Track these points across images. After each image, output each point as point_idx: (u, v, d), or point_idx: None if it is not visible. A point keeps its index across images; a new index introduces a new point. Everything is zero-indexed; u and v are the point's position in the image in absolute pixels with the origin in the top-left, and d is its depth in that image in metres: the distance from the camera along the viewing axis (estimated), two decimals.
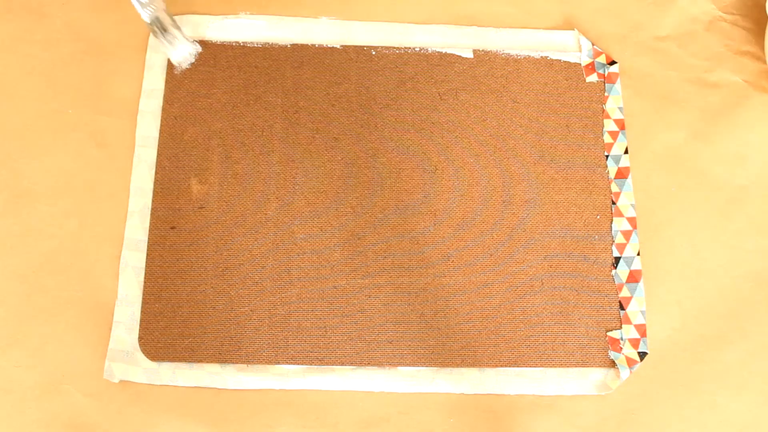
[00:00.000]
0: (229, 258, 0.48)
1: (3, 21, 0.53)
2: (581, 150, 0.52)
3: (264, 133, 0.51)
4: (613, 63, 0.54)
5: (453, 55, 0.54)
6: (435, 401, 0.47)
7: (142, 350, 0.46)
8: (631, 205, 0.51)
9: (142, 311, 0.47)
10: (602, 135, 0.53)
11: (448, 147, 0.51)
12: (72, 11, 0.54)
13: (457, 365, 0.47)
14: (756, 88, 0.55)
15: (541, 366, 0.47)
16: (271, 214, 0.49)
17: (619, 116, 0.53)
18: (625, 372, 0.47)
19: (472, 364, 0.47)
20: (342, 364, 0.47)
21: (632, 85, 0.54)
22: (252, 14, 0.54)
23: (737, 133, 0.54)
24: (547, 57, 0.54)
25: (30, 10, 0.53)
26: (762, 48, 0.56)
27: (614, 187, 0.51)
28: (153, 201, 0.49)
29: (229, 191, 0.50)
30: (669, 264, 0.50)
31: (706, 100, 0.54)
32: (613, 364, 0.47)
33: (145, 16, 0.48)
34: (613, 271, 0.49)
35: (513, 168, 0.51)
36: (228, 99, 0.52)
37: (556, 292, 0.48)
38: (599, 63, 0.54)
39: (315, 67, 0.53)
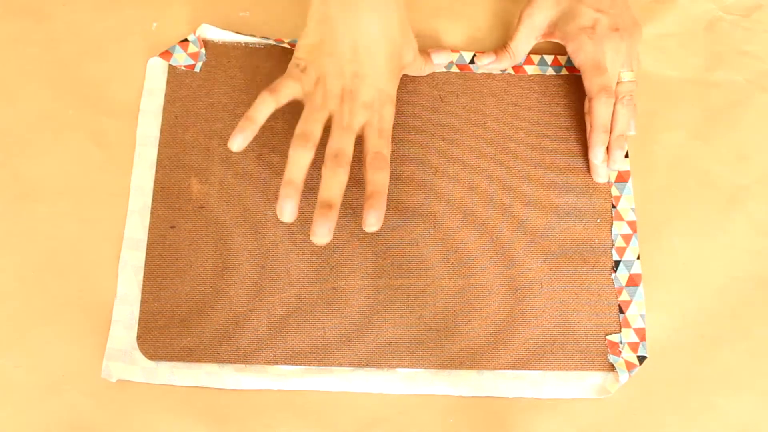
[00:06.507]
0: (229, 258, 0.48)
1: (4, 21, 0.53)
2: (582, 153, 0.52)
3: (264, 133, 0.51)
4: None
5: None
6: (434, 402, 0.47)
7: (140, 349, 0.46)
8: (632, 208, 0.50)
9: (140, 310, 0.47)
10: None
11: (448, 149, 0.51)
12: (73, 12, 0.53)
13: (456, 367, 0.47)
14: (756, 88, 0.55)
15: (540, 369, 0.47)
16: (270, 214, 0.49)
17: None
18: (624, 376, 0.46)
19: (471, 367, 0.47)
20: (341, 365, 0.46)
21: None
22: (253, 14, 0.54)
23: (737, 133, 0.54)
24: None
25: (31, 11, 0.53)
26: (762, 47, 0.56)
27: (614, 191, 0.51)
28: (153, 200, 0.49)
29: (229, 191, 0.50)
30: (669, 268, 0.50)
31: (706, 100, 0.54)
32: (612, 367, 0.47)
33: None
34: (613, 275, 0.49)
35: (513, 171, 0.51)
36: (229, 99, 0.52)
37: (556, 295, 0.48)
38: None
39: None
